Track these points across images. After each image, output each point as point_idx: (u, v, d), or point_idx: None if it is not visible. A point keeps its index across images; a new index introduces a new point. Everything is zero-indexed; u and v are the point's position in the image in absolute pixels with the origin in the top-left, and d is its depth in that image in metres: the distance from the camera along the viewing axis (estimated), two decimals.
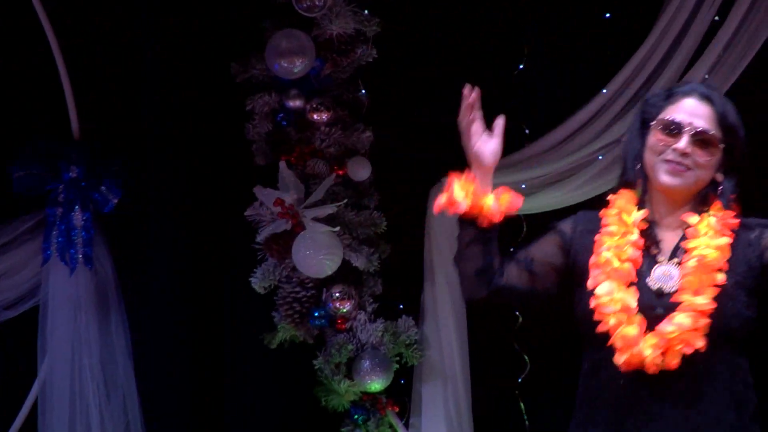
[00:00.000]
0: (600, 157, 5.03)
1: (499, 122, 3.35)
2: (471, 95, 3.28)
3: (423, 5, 5.21)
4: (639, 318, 3.17)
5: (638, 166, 3.38)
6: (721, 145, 3.28)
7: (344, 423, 5.08)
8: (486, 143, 3.35)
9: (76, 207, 4.99)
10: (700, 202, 3.30)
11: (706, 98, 3.33)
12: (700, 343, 3.13)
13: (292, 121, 5.05)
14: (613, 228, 3.35)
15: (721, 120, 3.31)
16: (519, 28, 5.25)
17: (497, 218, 3.28)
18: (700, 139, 3.25)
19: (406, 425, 5.16)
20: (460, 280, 3.41)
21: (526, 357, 5.26)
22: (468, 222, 3.31)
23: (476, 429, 5.21)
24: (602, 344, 3.25)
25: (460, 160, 4.82)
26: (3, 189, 5.04)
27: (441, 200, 3.31)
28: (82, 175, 4.98)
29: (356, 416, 5.05)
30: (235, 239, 5.22)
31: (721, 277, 3.19)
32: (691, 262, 3.20)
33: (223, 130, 5.16)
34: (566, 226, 3.50)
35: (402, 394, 5.19)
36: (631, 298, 3.20)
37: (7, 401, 5.14)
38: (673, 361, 3.14)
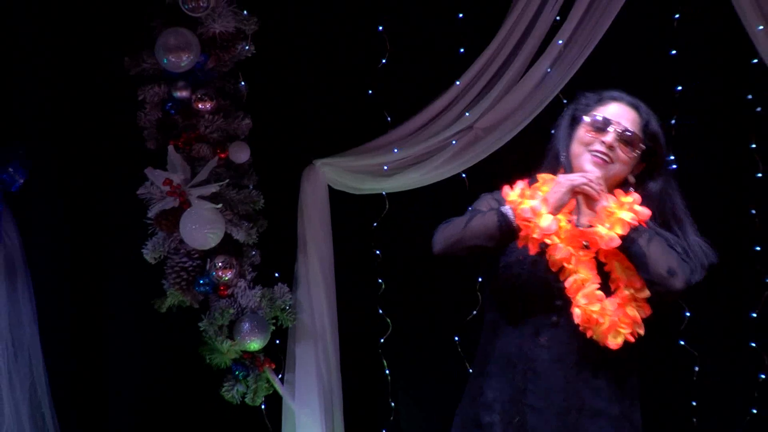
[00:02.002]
0: (453, 143, 5.28)
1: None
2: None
3: (296, 6, 5.41)
4: (600, 293, 3.50)
5: (564, 156, 3.71)
6: (642, 146, 3.64)
7: (226, 378, 5.31)
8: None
9: None
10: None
11: (633, 106, 3.71)
12: (642, 331, 3.52)
13: (179, 109, 5.24)
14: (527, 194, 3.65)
15: (645, 126, 3.67)
16: (383, 25, 5.41)
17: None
18: (625, 138, 3.62)
19: (282, 381, 5.41)
20: (452, 241, 3.68)
21: (388, 320, 5.51)
22: (512, 232, 3.57)
23: (344, 384, 5.46)
24: (511, 305, 3.65)
25: (327, 146, 5.26)
26: None
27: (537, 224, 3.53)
28: None
29: (237, 372, 5.30)
30: (127, 215, 5.34)
31: None
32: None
33: (117, 118, 5.33)
34: (490, 196, 3.81)
35: (278, 352, 5.44)
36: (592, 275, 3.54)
37: None
38: (617, 340, 3.52)
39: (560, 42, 5.18)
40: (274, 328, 5.34)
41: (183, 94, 5.20)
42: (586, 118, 3.69)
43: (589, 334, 3.56)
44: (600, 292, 3.57)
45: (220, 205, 5.17)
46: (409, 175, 5.36)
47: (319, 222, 5.42)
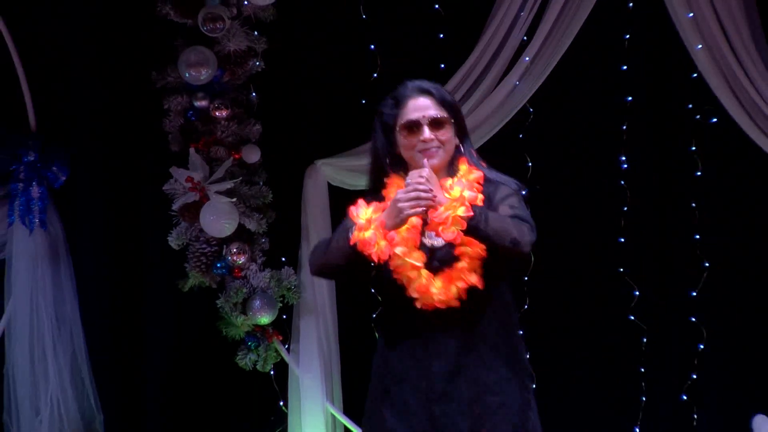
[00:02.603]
0: None
1: None
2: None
3: (300, 28, 5.71)
4: (425, 272, 3.58)
5: (393, 161, 3.75)
6: (451, 120, 3.70)
7: (240, 348, 5.59)
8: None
9: (34, 183, 5.49)
10: (450, 166, 3.72)
11: (424, 91, 3.74)
12: (473, 279, 3.54)
13: (199, 117, 5.50)
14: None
15: (442, 102, 3.71)
16: (374, 45, 5.66)
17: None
18: (435, 123, 3.68)
19: (288, 350, 5.68)
20: (319, 263, 3.75)
21: (379, 297, 5.16)
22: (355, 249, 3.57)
23: (341, 352, 5.74)
24: (397, 296, 3.67)
25: (326, 147, 5.49)
26: None
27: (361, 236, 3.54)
28: (37, 158, 5.49)
29: (249, 343, 5.58)
30: (155, 208, 5.61)
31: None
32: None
33: (147, 124, 5.61)
34: (348, 221, 3.72)
35: (284, 326, 5.72)
36: (418, 258, 3.60)
37: None
38: (453, 296, 3.56)
39: (527, 59, 5.43)
40: (281, 305, 5.60)
41: (202, 103, 5.48)
42: (398, 129, 3.76)
43: (434, 305, 3.61)
44: (422, 277, 3.62)
45: (234, 199, 5.45)
46: None
47: (319, 213, 5.70)
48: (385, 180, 3.76)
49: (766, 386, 5.71)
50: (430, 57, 5.63)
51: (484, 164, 3.77)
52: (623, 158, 5.68)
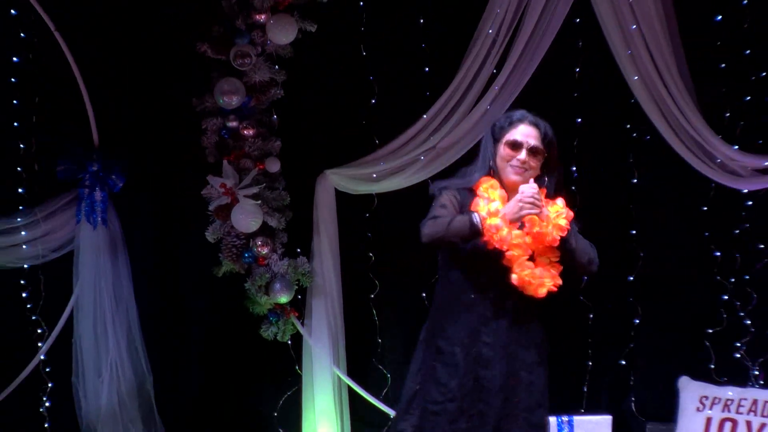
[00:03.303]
0: (422, 158, 5.69)
1: None
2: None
3: (312, 63, 5.92)
4: (529, 262, 3.88)
5: (492, 165, 4.04)
6: (546, 153, 4.02)
7: (264, 322, 5.84)
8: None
9: (97, 188, 5.69)
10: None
11: (534, 124, 4.07)
12: (560, 281, 3.94)
13: (230, 135, 5.70)
14: (484, 197, 4.03)
15: (544, 138, 4.05)
16: (373, 76, 5.89)
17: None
18: (532, 151, 4.01)
19: (302, 324, 5.89)
20: (437, 237, 3.92)
21: (376, 282, 6.01)
22: (479, 236, 3.86)
23: (345, 327, 5.96)
24: (473, 265, 3.92)
25: (333, 160, 5.82)
26: (52, 177, 5.73)
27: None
28: (100, 168, 5.68)
29: (271, 318, 5.83)
30: (195, 209, 5.80)
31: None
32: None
33: (189, 140, 5.81)
34: (451, 192, 4.07)
35: (300, 305, 5.93)
36: (526, 248, 3.87)
37: (56, 308, 5.82)
38: (541, 291, 3.93)
39: (496, 88, 5.64)
40: (297, 287, 5.80)
41: (233, 124, 5.68)
42: (504, 141, 4.05)
43: (524, 287, 3.95)
44: (529, 262, 3.98)
45: (259, 202, 5.62)
46: (391, 180, 5.77)
47: (328, 213, 5.88)
48: (480, 180, 4.06)
49: (689, 354, 5.95)
50: (417, 86, 5.82)
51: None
52: (574, 168, 5.90)
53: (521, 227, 3.94)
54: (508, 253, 3.86)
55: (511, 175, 3.97)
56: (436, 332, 4.03)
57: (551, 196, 4.02)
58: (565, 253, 3.92)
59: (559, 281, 3.92)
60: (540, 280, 3.89)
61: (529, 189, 3.83)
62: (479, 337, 3.93)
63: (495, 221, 3.81)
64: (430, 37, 5.88)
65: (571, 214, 3.99)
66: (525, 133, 4.02)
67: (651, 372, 6.05)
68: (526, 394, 3.94)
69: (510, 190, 3.98)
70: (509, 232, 3.82)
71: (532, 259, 3.95)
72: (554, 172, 4.08)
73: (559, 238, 3.86)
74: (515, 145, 3.99)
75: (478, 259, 3.91)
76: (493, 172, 4.07)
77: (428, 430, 3.96)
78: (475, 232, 3.85)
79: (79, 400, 5.81)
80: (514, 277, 3.88)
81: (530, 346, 3.99)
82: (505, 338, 3.93)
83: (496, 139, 4.07)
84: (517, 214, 3.81)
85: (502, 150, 4.03)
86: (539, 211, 3.82)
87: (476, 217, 3.86)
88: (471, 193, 4.03)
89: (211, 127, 5.72)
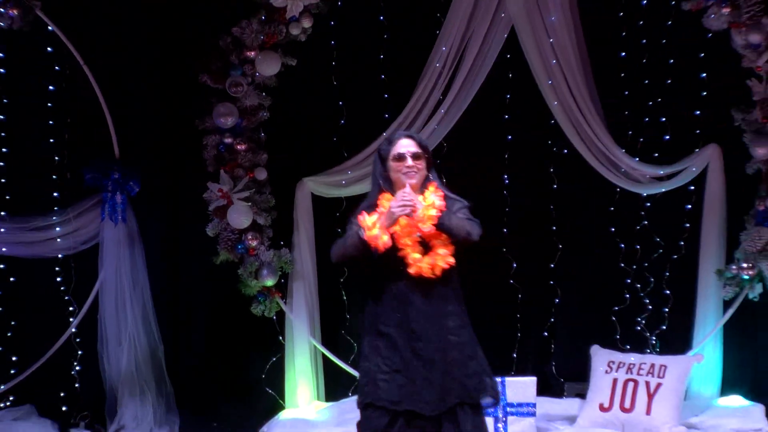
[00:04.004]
0: None
1: None
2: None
3: (293, 92, 6.57)
4: (419, 252, 4.06)
5: (385, 182, 4.20)
6: (426, 155, 4.21)
7: (253, 301, 6.53)
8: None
9: (117, 192, 6.40)
10: (422, 186, 4.19)
11: (408, 136, 4.28)
12: (452, 260, 4.04)
13: (226, 149, 6.45)
14: (378, 210, 4.16)
15: (419, 144, 4.23)
16: (342, 101, 6.52)
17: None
18: (415, 155, 4.18)
19: (285, 303, 6.57)
20: (340, 254, 4.15)
21: (345, 269, 6.50)
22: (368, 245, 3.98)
23: (320, 305, 6.65)
24: (390, 270, 4.08)
25: (310, 169, 6.37)
26: (80, 183, 6.39)
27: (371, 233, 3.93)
28: (120, 176, 6.39)
29: (259, 298, 6.53)
30: (197, 210, 6.49)
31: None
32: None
33: (193, 153, 6.52)
34: (361, 214, 4.16)
35: (283, 287, 6.60)
36: (414, 242, 4.04)
37: (84, 291, 6.47)
38: (437, 272, 4.07)
39: (443, 110, 6.46)
40: (280, 273, 6.50)
41: (228, 140, 6.44)
42: (391, 157, 4.22)
43: (423, 273, 4.08)
44: (418, 255, 4.11)
45: (249, 203, 6.39)
46: (356, 186, 6.45)
47: (305, 213, 6.60)
48: (378, 197, 4.24)
49: (599, 326, 6.63)
50: (378, 110, 6.59)
51: (445, 187, 4.29)
52: (506, 176, 6.78)
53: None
54: (400, 253, 4.08)
55: (408, 180, 4.13)
56: (375, 318, 4.18)
57: (440, 186, 4.24)
58: (444, 232, 4.06)
59: (451, 260, 4.05)
60: (432, 263, 4.07)
61: (400, 195, 4.03)
62: (408, 316, 4.09)
63: (374, 232, 4.01)
64: (389, 69, 6.67)
65: (441, 196, 4.14)
66: (404, 144, 4.22)
67: (568, 341, 6.69)
68: (456, 352, 4.08)
69: (415, 191, 4.17)
70: (389, 236, 4.03)
71: (426, 245, 4.12)
72: (433, 167, 4.30)
73: (432, 225, 4.02)
74: (400, 157, 4.18)
75: (384, 258, 4.11)
76: (391, 187, 4.23)
77: (384, 398, 4.10)
78: (365, 243, 4.06)
79: (103, 365, 6.46)
80: (411, 270, 4.08)
81: (450, 314, 4.15)
82: (428, 313, 4.10)
83: (384, 159, 4.24)
84: (391, 219, 4.00)
85: (393, 164, 4.20)
86: (412, 209, 4.00)
87: (362, 232, 4.06)
88: (376, 209, 4.21)
89: (210, 142, 6.52)
